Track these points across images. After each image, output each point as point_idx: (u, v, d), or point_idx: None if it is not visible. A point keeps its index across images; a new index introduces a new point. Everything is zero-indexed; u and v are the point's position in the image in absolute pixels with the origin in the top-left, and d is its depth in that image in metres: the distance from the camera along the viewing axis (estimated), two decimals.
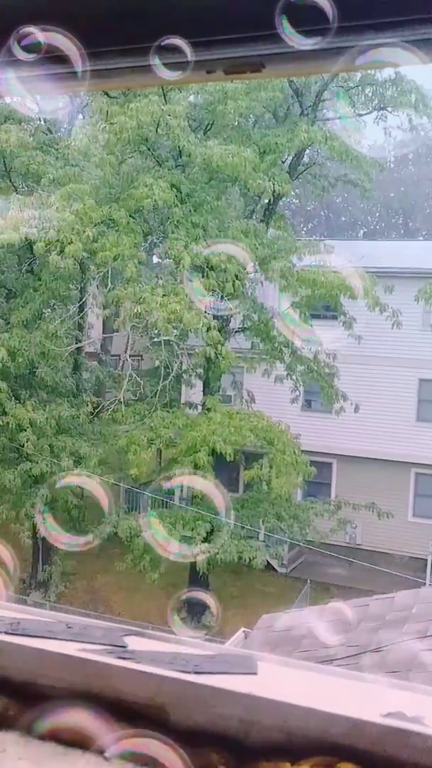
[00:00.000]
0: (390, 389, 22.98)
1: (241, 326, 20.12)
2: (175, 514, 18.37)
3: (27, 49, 0.71)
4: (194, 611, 20.40)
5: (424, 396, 23.30)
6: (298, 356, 19.58)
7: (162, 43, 0.71)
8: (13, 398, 18.65)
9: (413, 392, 23.35)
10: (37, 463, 18.08)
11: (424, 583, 19.34)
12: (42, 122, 20.16)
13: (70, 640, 1.05)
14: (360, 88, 20.56)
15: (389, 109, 20.48)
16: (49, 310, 20.76)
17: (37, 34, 0.69)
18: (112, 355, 25.83)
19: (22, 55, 0.70)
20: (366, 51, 0.66)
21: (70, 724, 0.93)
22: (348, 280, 17.41)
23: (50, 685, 0.96)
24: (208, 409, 18.27)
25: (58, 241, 16.20)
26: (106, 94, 17.91)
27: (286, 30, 0.65)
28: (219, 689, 0.89)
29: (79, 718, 0.93)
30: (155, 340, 19.38)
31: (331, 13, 0.64)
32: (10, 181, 20.01)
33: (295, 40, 0.65)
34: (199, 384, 20.60)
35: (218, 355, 17.16)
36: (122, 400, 18.65)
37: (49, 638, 1.04)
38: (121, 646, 1.07)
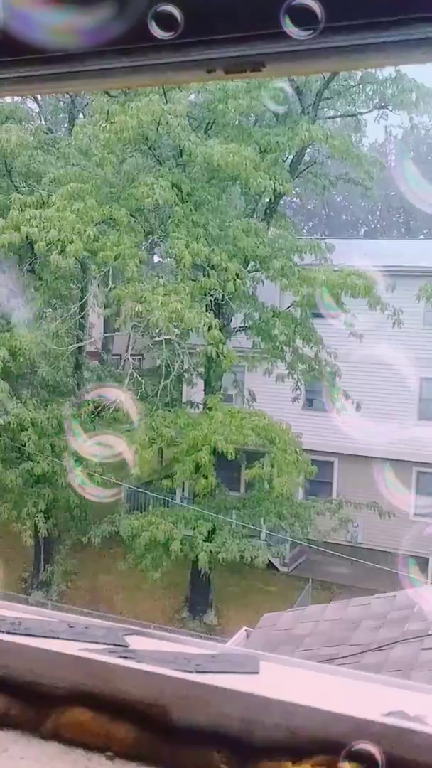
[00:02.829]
0: (391, 388, 22.95)
1: (242, 325, 20.10)
2: (176, 513, 18.39)
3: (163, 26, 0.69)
4: (196, 610, 20.43)
5: (426, 395, 23.29)
6: (300, 355, 19.57)
7: (163, 42, 0.71)
8: (15, 398, 18.66)
9: (415, 391, 23.34)
10: (39, 462, 18.10)
11: (426, 582, 19.32)
12: (43, 121, 20.16)
13: (72, 640, 1.05)
14: (360, 86, 20.54)
15: (390, 107, 20.46)
16: (50, 309, 20.77)
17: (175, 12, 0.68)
18: (113, 355, 25.85)
19: (157, 32, 0.69)
20: (366, 50, 0.66)
21: (71, 724, 0.93)
22: (349, 278, 17.40)
23: (52, 684, 0.96)
24: (210, 408, 18.27)
25: (59, 240, 16.19)
26: (107, 93, 17.91)
27: (288, 26, 0.65)
28: (221, 689, 0.89)
29: (80, 717, 0.93)
30: (156, 339, 19.38)
31: (330, 12, 0.64)
32: (11, 180, 20.02)
33: (295, 33, 0.65)
34: (201, 383, 20.60)
35: (219, 354, 17.15)
36: (123, 399, 18.65)
37: (51, 638, 1.04)
38: (122, 646, 1.07)
